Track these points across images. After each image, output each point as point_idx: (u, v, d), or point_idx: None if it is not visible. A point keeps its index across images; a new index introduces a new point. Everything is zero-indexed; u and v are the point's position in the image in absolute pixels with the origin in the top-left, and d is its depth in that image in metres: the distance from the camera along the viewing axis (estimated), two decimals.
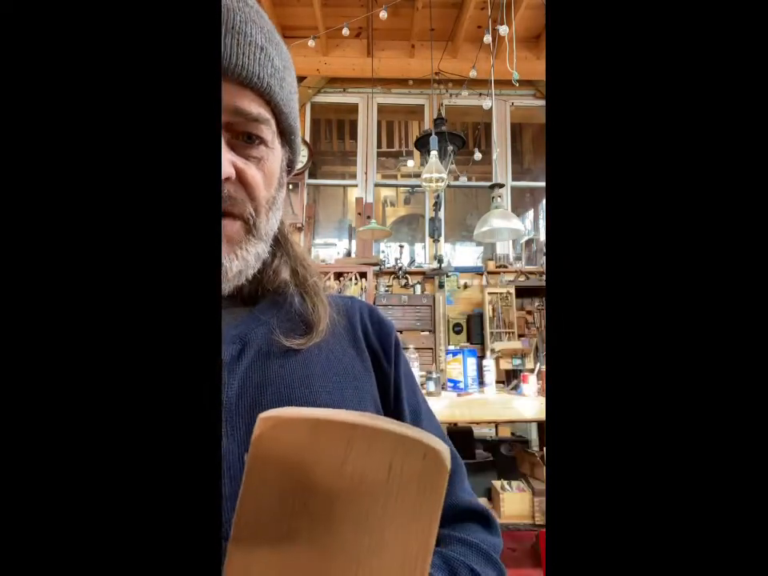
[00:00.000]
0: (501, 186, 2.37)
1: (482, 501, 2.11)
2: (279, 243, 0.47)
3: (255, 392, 0.37)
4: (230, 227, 0.37)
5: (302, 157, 3.44)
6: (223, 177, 0.35)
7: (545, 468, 1.72)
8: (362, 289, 3.16)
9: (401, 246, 3.55)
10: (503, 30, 2.09)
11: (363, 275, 3.18)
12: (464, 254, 4.11)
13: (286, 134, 0.42)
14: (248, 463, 0.22)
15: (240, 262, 0.38)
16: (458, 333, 3.25)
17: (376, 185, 3.75)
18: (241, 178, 0.37)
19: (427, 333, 3.15)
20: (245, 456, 0.22)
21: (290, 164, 0.46)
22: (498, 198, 2.30)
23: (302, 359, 0.41)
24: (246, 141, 0.37)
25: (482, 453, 2.50)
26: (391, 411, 0.46)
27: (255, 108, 0.37)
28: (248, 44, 0.35)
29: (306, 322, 0.44)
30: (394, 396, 0.46)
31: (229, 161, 0.36)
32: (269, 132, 0.39)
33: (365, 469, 0.22)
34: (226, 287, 0.39)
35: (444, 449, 0.22)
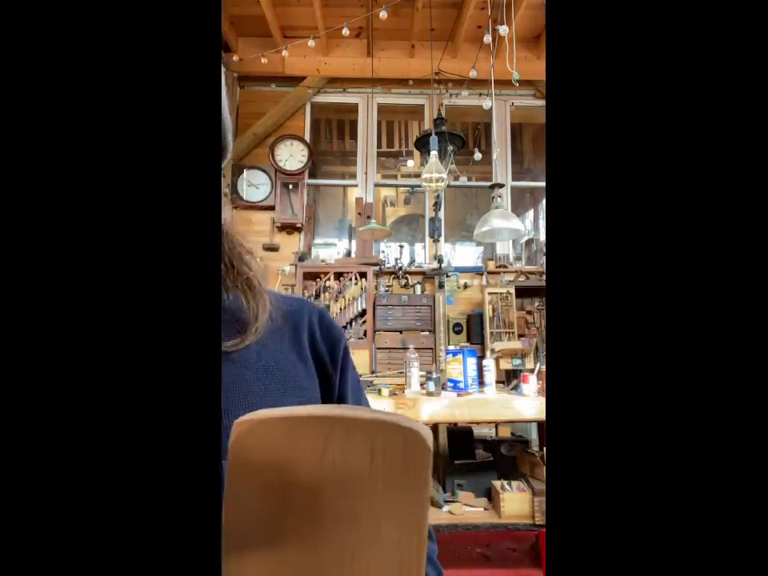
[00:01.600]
0: (501, 186, 2.37)
1: (482, 501, 2.11)
2: None
3: None
4: None
5: (302, 156, 3.44)
6: None
7: (545, 468, 1.72)
8: (362, 289, 3.16)
9: (401, 246, 3.55)
10: (503, 30, 2.09)
11: (363, 275, 3.18)
12: (464, 254, 4.11)
13: None
14: (228, 470, 0.22)
15: None
16: (458, 333, 3.25)
17: (376, 185, 3.75)
18: None
19: (427, 333, 3.15)
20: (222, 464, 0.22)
21: None
22: (498, 198, 2.30)
23: (237, 363, 0.38)
24: None
25: (482, 453, 2.50)
26: None
27: None
28: None
29: (239, 321, 0.40)
30: (338, 404, 0.44)
31: None
32: None
33: (346, 460, 0.21)
34: None
35: (424, 429, 0.21)
